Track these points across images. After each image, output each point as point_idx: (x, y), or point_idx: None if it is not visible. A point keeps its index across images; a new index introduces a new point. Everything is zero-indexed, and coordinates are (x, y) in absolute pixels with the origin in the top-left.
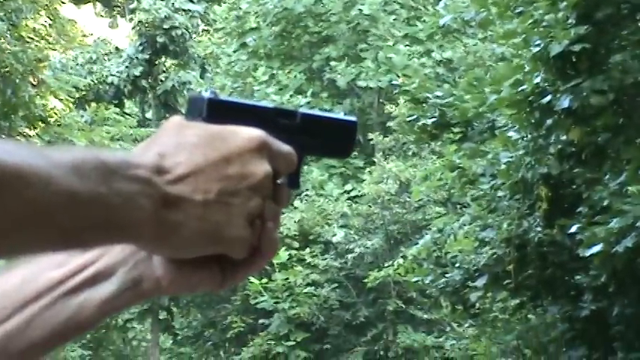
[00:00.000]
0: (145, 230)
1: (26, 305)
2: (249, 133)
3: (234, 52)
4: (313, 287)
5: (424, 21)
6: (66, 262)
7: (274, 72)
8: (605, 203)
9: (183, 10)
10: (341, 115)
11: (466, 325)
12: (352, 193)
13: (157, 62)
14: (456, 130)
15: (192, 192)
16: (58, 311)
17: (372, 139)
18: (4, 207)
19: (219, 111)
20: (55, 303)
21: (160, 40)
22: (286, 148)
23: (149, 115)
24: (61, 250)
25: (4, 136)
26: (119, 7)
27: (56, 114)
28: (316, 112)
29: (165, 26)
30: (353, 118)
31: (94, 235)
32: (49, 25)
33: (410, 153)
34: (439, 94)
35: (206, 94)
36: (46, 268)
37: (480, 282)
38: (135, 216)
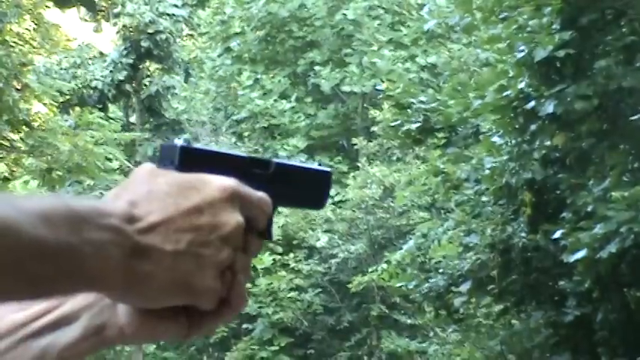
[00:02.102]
0: (114, 280)
1: None
2: (221, 183)
3: (219, 56)
4: (297, 292)
5: (408, 26)
6: (30, 304)
7: (258, 76)
8: (590, 209)
9: (168, 15)
10: (315, 166)
11: (450, 330)
12: (336, 198)
13: (141, 67)
14: (440, 135)
15: (162, 242)
16: (20, 354)
17: (356, 144)
18: None
19: (191, 159)
20: (17, 346)
21: (144, 44)
22: (260, 194)
23: (133, 119)
24: (28, 299)
25: None
26: (103, 11)
27: (40, 118)
28: (290, 161)
29: (149, 31)
30: (327, 169)
31: (62, 284)
32: (34, 29)
33: (394, 158)
34: (423, 99)
35: (179, 142)
36: (9, 310)
37: (464, 287)
38: (104, 265)
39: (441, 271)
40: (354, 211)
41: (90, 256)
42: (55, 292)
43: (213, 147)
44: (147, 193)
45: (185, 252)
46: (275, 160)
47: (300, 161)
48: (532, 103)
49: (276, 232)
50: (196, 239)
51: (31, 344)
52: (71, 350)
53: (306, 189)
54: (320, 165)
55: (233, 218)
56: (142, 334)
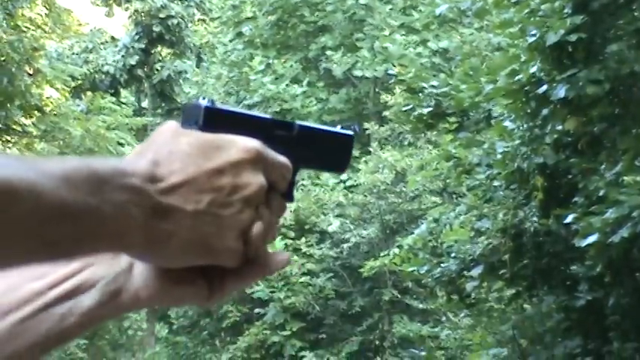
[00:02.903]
0: (135, 239)
1: (7, 315)
2: (245, 144)
3: (230, 41)
4: (309, 277)
5: (420, 10)
6: (48, 273)
7: (270, 61)
8: (601, 193)
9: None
10: (338, 129)
11: (462, 314)
12: (348, 183)
13: (152, 51)
14: (451, 119)
15: (183, 202)
16: (39, 322)
17: (368, 129)
18: None
19: (215, 120)
20: (36, 314)
21: (155, 29)
22: (282, 159)
23: (145, 104)
24: (50, 260)
25: (0, 125)
26: None
27: (52, 103)
28: (313, 124)
29: (161, 15)
30: (350, 132)
31: (84, 245)
32: (45, 14)
33: (406, 143)
34: (435, 83)
35: (203, 103)
36: (28, 279)
37: (476, 272)
38: (125, 225)
39: (452, 255)
40: (365, 195)
41: (110, 216)
42: (77, 253)
43: (238, 108)
44: (169, 153)
45: (205, 212)
46: (298, 122)
47: (322, 124)
48: (544, 88)
49: (288, 217)
50: (217, 200)
51: (49, 312)
52: (89, 316)
53: (329, 152)
54: (343, 128)
55: (255, 179)
56: (157, 298)
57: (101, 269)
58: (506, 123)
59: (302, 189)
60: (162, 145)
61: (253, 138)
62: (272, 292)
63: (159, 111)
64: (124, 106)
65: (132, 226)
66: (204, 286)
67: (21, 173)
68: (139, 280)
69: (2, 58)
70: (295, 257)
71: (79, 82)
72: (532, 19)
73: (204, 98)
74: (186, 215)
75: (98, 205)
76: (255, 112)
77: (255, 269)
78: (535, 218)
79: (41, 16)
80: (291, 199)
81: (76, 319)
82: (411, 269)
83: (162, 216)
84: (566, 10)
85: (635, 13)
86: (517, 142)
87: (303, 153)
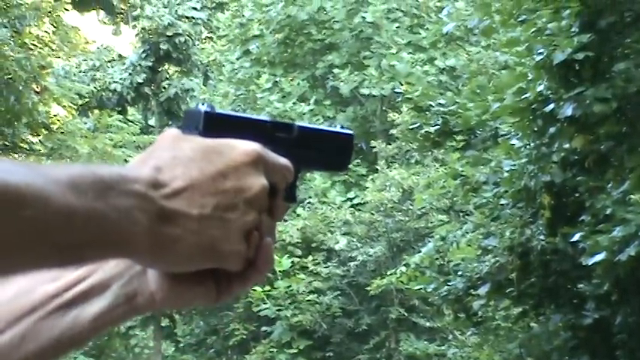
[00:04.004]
0: (141, 245)
1: (21, 319)
2: (245, 147)
3: (238, 59)
4: (316, 295)
5: (427, 29)
6: (60, 275)
7: (277, 79)
8: (608, 211)
9: (187, 18)
10: (338, 129)
11: (469, 333)
12: (355, 201)
13: (160, 69)
14: (458, 137)
15: (188, 206)
16: (52, 325)
17: (375, 147)
18: (2, 227)
19: (215, 124)
20: (49, 317)
21: (163, 47)
22: (283, 160)
23: (152, 122)
24: (57, 266)
25: (7, 143)
26: (122, 14)
27: (59, 121)
28: (313, 125)
29: (168, 33)
30: (350, 131)
31: (90, 251)
32: (53, 32)
33: (413, 161)
34: (442, 101)
35: (203, 108)
36: (40, 282)
37: (483, 290)
38: (131, 231)
39: (459, 273)
40: (372, 213)
41: (116, 222)
42: (84, 259)
43: (237, 112)
44: (171, 158)
45: (210, 216)
46: (297, 123)
47: (322, 124)
48: (551, 106)
49: (294, 235)
50: (221, 203)
51: (63, 315)
52: (102, 319)
53: (329, 152)
54: (342, 127)
55: (257, 182)
56: (171, 300)
57: (115, 271)
58: (514, 141)
59: (309, 207)
60: (164, 151)
61: (254, 141)
62: (279, 310)
63: (165, 129)
64: (130, 124)
65: (137, 231)
66: (213, 287)
67: (28, 179)
68: (153, 283)
69: (9, 76)
70: (302, 275)
71: (86, 99)
72: (539, 37)
73: (203, 104)
74: (191, 219)
75: (104, 210)
76: (254, 116)
77: (256, 271)
78: (542, 236)
79: (48, 34)
80: (293, 200)
81: (89, 322)
82: (417, 287)
83: (167, 221)
84: (573, 29)
85: None
86: (524, 160)
87: (303, 154)
